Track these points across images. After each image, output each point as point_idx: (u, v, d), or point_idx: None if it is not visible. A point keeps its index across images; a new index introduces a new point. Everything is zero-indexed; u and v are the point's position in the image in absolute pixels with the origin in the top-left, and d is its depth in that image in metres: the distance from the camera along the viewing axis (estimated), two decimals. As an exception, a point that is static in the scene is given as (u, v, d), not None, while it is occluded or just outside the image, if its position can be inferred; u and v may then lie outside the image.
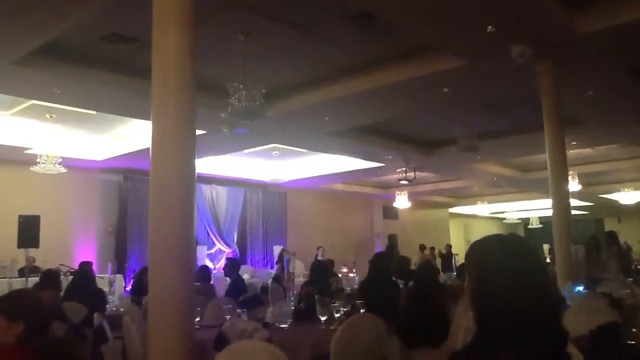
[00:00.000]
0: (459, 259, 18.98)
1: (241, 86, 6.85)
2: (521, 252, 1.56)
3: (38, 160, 10.54)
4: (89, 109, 9.54)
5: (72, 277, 8.28)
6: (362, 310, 4.50)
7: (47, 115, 9.84)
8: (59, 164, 10.68)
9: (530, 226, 27.10)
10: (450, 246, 18.98)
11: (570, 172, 11.17)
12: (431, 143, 13.34)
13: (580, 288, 5.61)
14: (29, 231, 8.84)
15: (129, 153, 12.23)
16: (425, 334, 4.60)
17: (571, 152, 11.32)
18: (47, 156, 10.58)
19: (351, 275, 13.31)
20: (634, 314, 4.33)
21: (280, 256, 11.30)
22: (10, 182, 12.12)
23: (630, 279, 7.67)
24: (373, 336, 3.71)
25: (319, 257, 14.33)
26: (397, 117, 10.73)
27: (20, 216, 8.96)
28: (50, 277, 6.11)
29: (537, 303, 1.47)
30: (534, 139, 9.66)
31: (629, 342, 2.93)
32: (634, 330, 3.21)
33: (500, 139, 11.97)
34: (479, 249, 1.63)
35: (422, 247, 17.48)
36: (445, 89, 8.44)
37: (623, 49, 7.04)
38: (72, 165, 11.99)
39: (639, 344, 2.90)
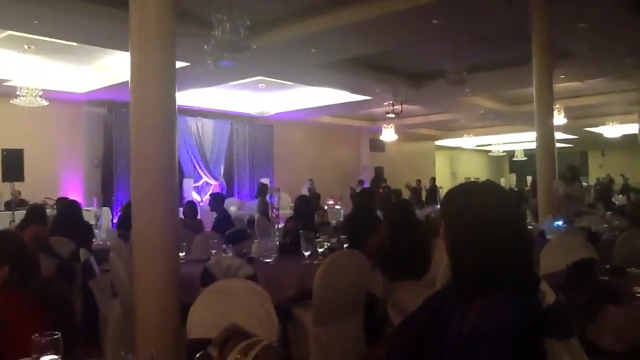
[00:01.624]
0: (444, 192, 19.22)
1: (225, 17, 6.66)
2: (497, 201, 1.58)
3: (18, 92, 10.33)
4: (68, 40, 9.28)
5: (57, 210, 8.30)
6: (345, 246, 4.57)
7: (26, 46, 9.56)
8: (40, 96, 10.47)
9: (515, 159, 27.33)
10: (434, 179, 19.13)
11: (557, 106, 11.18)
12: (420, 76, 13.21)
13: (560, 222, 5.72)
14: (13, 165, 8.78)
15: (112, 85, 12.01)
16: (407, 268, 4.72)
17: (559, 85, 11.26)
18: (28, 88, 10.36)
19: (337, 207, 13.48)
20: (610, 249, 4.44)
21: (260, 190, 11.33)
22: (-9, 115, 11.93)
23: (609, 212, 7.82)
24: (357, 271, 3.79)
25: (305, 191, 14.43)
26: (385, 49, 10.55)
27: (3, 150, 8.87)
28: (36, 212, 6.11)
29: (511, 252, 1.50)
30: (523, 72, 9.57)
31: (602, 278, 3.02)
32: (607, 266, 3.31)
33: (489, 71, 11.87)
34: (456, 197, 1.65)
35: (409, 186, 17.66)
36: (435, 21, 8.27)
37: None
38: (55, 97, 11.77)
39: (613, 281, 2.99)
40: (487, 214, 1.54)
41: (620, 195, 15.66)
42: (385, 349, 1.74)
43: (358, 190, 13.83)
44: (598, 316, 2.61)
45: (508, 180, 26.23)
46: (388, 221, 5.33)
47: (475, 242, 1.52)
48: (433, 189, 18.22)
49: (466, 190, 1.65)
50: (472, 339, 1.42)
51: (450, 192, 1.68)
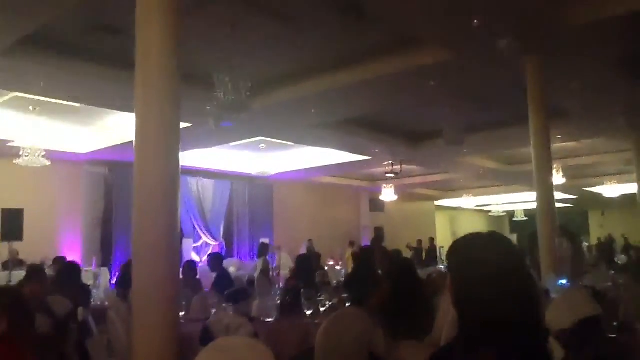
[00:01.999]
0: (445, 251, 19.10)
1: (227, 79, 6.81)
2: (502, 251, 1.57)
3: (21, 153, 10.41)
4: (73, 102, 9.44)
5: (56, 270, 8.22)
6: (347, 304, 4.51)
7: (31, 108, 9.71)
8: (43, 156, 10.55)
9: (515, 219, 27.31)
10: (432, 239, 19.04)
11: (555, 165, 11.26)
12: (418, 136, 13.36)
13: (564, 281, 5.67)
14: (12, 224, 8.77)
15: (114, 145, 12.13)
16: (409, 327, 4.63)
17: (557, 145, 11.40)
18: (31, 149, 10.44)
19: (338, 267, 13.36)
20: (616, 306, 4.38)
21: (261, 250, 11.27)
22: (-7, 175, 11.99)
23: (612, 272, 7.77)
24: (358, 330, 3.72)
25: (303, 251, 14.34)
26: (383, 110, 10.73)
27: (3, 209, 8.87)
28: (35, 271, 6.07)
29: (519, 302, 1.49)
30: (520, 132, 9.70)
31: (610, 335, 2.97)
32: (615, 323, 3.26)
33: (486, 132, 12.03)
34: (460, 250, 1.64)
35: (410, 246, 17.58)
36: (432, 82, 8.45)
37: (610, 41, 7.10)
38: (56, 157, 11.86)
39: (620, 337, 2.93)
40: (491, 264, 1.52)
41: (622, 255, 15.57)
42: None
43: (353, 250, 13.79)
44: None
45: (508, 241, 26.05)
46: (390, 280, 5.27)
47: (480, 293, 1.50)
48: (432, 249, 18.13)
49: (470, 241, 1.64)
50: None
51: (455, 244, 1.67)
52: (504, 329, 1.45)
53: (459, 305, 1.58)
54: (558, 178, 13.27)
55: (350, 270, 12.24)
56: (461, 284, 1.58)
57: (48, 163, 10.74)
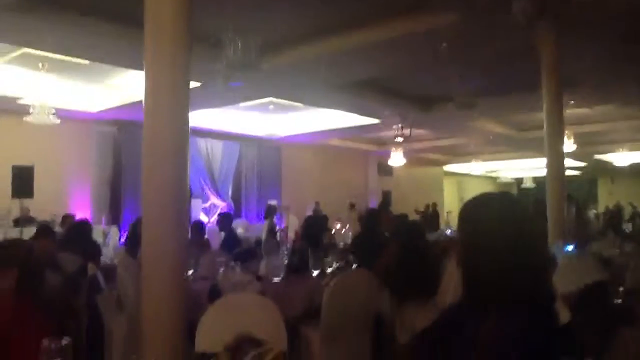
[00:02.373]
0: (453, 216, 19.15)
1: (236, 37, 6.72)
2: (513, 211, 1.56)
3: (31, 110, 10.41)
4: (82, 59, 9.39)
5: (67, 227, 8.33)
6: (354, 266, 4.55)
7: (39, 65, 9.67)
8: (53, 114, 10.56)
9: (523, 185, 27.23)
10: (435, 205, 18.96)
11: (567, 132, 11.16)
12: (428, 100, 13.23)
13: (571, 247, 5.68)
14: (23, 181, 8.81)
15: (123, 105, 12.11)
16: (415, 289, 4.67)
17: (569, 112, 11.24)
18: (41, 106, 10.44)
19: (344, 230, 13.42)
20: (623, 273, 4.39)
21: (269, 211, 11.33)
22: (3, 132, 12.03)
23: (620, 239, 7.76)
24: (365, 291, 3.77)
25: (310, 213, 14.40)
26: (394, 72, 10.60)
27: (14, 166, 8.91)
28: (45, 229, 6.16)
29: (527, 261, 1.48)
30: (532, 97, 9.58)
31: (616, 300, 2.98)
32: (621, 289, 3.27)
33: (498, 96, 11.87)
34: (471, 208, 1.64)
35: (417, 210, 17.60)
36: (444, 45, 8.31)
37: (622, 8, 6.94)
38: (66, 116, 11.86)
39: (626, 303, 2.94)
40: (503, 221, 1.52)
41: (630, 223, 15.55)
42: None
43: (359, 212, 13.82)
44: (613, 338, 2.56)
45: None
46: (397, 243, 5.30)
47: (490, 248, 1.50)
48: (434, 215, 18.05)
49: (484, 199, 1.64)
50: (484, 354, 1.40)
51: (468, 201, 1.67)
52: (511, 289, 1.46)
53: (466, 262, 1.58)
54: (569, 144, 13.16)
55: (352, 232, 12.27)
56: (471, 240, 1.58)
57: (58, 121, 10.75)
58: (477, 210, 1.61)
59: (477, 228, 1.57)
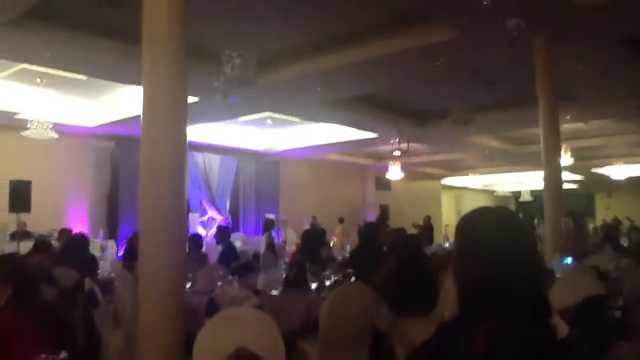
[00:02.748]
0: (450, 230, 19.12)
1: (234, 54, 6.76)
2: (509, 223, 1.57)
3: (29, 125, 10.44)
4: (80, 74, 9.43)
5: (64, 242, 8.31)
6: (352, 279, 4.54)
7: (38, 80, 9.70)
8: (50, 129, 10.58)
9: (521, 199, 27.25)
10: (429, 217, 18.86)
11: (563, 146, 11.21)
12: (425, 115, 13.28)
13: (569, 261, 5.68)
14: (20, 196, 8.80)
15: (121, 119, 12.13)
16: (413, 303, 4.67)
17: (565, 126, 11.31)
18: (38, 121, 10.47)
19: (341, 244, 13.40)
20: (619, 287, 4.39)
21: (266, 225, 11.32)
22: (1, 147, 12.02)
23: (617, 253, 7.76)
24: (363, 305, 3.76)
25: (307, 227, 14.38)
26: (391, 88, 10.66)
27: (11, 181, 8.91)
28: (42, 243, 6.16)
29: (522, 273, 1.49)
30: (528, 113, 9.63)
31: (613, 314, 2.98)
32: (619, 303, 3.27)
33: (494, 112, 11.92)
34: (468, 219, 1.65)
35: (415, 224, 17.52)
36: (440, 60, 8.37)
37: (618, 20, 6.99)
38: (63, 131, 11.88)
39: (624, 317, 2.94)
40: (499, 232, 1.54)
41: (627, 237, 15.56)
42: None
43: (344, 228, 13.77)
44: (610, 352, 2.56)
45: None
46: (395, 256, 5.30)
47: (486, 258, 1.51)
48: (429, 228, 17.93)
49: (480, 211, 1.66)
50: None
51: (465, 214, 1.68)
52: (506, 300, 1.46)
53: (461, 272, 1.59)
54: (566, 158, 13.21)
55: (338, 245, 12.18)
56: (466, 251, 1.59)
57: (55, 136, 10.77)
58: (471, 221, 1.62)
59: (472, 240, 1.58)
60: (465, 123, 10.20)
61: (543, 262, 1.65)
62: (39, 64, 8.73)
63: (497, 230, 1.55)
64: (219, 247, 7.85)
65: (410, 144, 14.49)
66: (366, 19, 7.61)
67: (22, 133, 10.49)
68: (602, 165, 19.98)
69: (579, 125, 13.72)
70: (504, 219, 1.60)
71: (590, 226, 18.57)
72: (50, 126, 10.58)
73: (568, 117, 11.38)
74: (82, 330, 4.74)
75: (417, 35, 7.72)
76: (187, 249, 7.14)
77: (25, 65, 8.90)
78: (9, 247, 9.32)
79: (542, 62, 7.73)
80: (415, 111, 13.07)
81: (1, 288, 2.30)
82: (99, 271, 6.60)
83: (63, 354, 1.58)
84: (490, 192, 29.47)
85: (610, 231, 14.73)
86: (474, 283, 1.54)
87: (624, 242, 13.44)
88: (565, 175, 13.44)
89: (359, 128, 14.13)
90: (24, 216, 9.53)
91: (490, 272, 1.50)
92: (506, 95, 10.94)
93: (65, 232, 9.39)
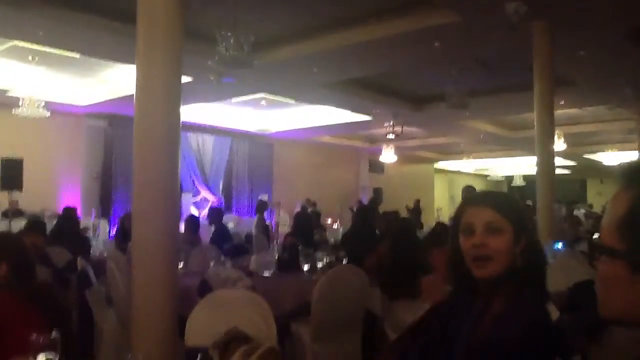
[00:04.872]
0: (443, 213, 19.20)
1: (229, 34, 6.70)
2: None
3: (20, 103, 10.35)
4: (73, 52, 9.32)
5: (56, 221, 8.28)
6: (344, 262, 4.55)
7: (30, 57, 9.60)
8: (43, 107, 10.50)
9: (514, 184, 27.35)
10: (418, 201, 18.84)
11: (557, 132, 11.21)
12: (420, 98, 13.26)
13: (560, 245, 5.71)
14: (12, 174, 8.75)
15: (114, 98, 12.04)
16: (406, 286, 4.69)
17: (559, 112, 11.31)
18: (30, 99, 10.38)
19: (335, 227, 13.44)
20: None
21: (260, 207, 11.31)
22: (-8, 125, 11.93)
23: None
24: (355, 287, 3.77)
25: (299, 210, 14.39)
26: (387, 71, 10.61)
27: (3, 159, 8.85)
28: (36, 223, 6.13)
29: (527, 256, 1.53)
30: (523, 98, 9.62)
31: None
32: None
33: (490, 96, 11.92)
34: None
35: (408, 207, 17.52)
36: (437, 44, 8.33)
37: (620, 8, 6.97)
38: (56, 109, 11.80)
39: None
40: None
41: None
42: (392, 356, 1.72)
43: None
44: (602, 337, 2.58)
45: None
46: (388, 239, 5.31)
47: None
48: (417, 211, 17.90)
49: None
50: (482, 348, 1.42)
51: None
52: (509, 284, 1.50)
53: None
54: (560, 144, 13.23)
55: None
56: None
57: (47, 114, 10.69)
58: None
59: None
60: (461, 107, 10.19)
61: (542, 245, 1.66)
62: (32, 42, 8.63)
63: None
64: (212, 228, 7.84)
65: (404, 128, 14.48)
66: (364, 0, 7.55)
67: (13, 111, 10.41)
68: (595, 152, 20.04)
69: (573, 111, 13.73)
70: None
71: (582, 212, 18.69)
72: (43, 104, 10.51)
73: (562, 103, 11.38)
74: (75, 310, 4.76)
75: (415, 18, 7.67)
76: (182, 230, 7.17)
77: (17, 42, 8.79)
78: (0, 226, 9.30)
79: (541, 47, 7.69)
80: (412, 95, 13.03)
81: None
82: (92, 251, 6.59)
83: (55, 334, 1.57)
84: (483, 177, 29.55)
85: (602, 217, 14.81)
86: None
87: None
88: (558, 161, 13.49)
89: (354, 110, 14.09)
90: (16, 194, 9.49)
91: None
92: (503, 80, 10.93)
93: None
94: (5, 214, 10.06)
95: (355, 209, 10.67)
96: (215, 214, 7.89)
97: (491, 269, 1.51)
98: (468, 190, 8.14)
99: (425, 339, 1.62)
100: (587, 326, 2.56)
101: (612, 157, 19.95)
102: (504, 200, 1.61)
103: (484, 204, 1.57)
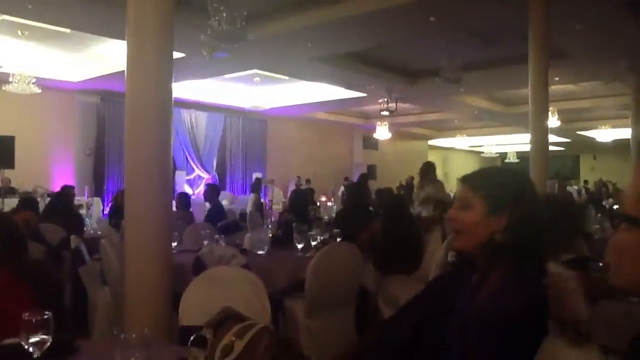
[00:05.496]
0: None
1: (222, 7, 6.61)
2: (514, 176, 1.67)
3: (11, 79, 10.23)
4: (63, 27, 9.19)
5: (49, 198, 8.25)
6: (338, 239, 4.56)
7: (19, 32, 9.46)
8: (33, 83, 10.38)
9: (507, 160, 27.41)
10: (412, 178, 18.80)
11: (551, 108, 11.19)
12: (414, 73, 13.20)
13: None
14: (3, 152, 8.69)
15: (105, 75, 11.93)
16: (399, 263, 4.71)
17: (553, 88, 11.27)
18: (20, 75, 10.26)
19: (329, 204, 13.46)
20: (603, 248, 4.45)
21: (255, 185, 11.31)
22: (-18, 101, 11.80)
23: (600, 214, 7.85)
24: (349, 264, 3.78)
25: (293, 187, 14.40)
26: (381, 45, 10.54)
27: (-6, 136, 8.79)
28: (28, 200, 6.11)
29: (527, 222, 1.55)
30: (518, 72, 9.58)
31: (596, 273, 3.02)
32: (601, 264, 3.30)
33: (485, 70, 11.87)
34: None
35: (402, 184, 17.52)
36: (432, 18, 8.25)
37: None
38: (47, 85, 11.67)
39: (606, 277, 2.98)
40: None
41: (611, 200, 15.73)
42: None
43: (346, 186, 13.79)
44: (593, 311, 2.60)
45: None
46: (381, 216, 5.32)
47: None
48: (409, 187, 17.87)
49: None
50: (475, 321, 1.43)
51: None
52: (508, 250, 1.52)
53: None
54: (553, 121, 13.22)
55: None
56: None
57: (38, 90, 10.58)
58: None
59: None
60: (455, 81, 10.16)
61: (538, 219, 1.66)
62: (21, 16, 8.49)
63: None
64: (207, 205, 7.82)
65: (398, 104, 14.43)
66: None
67: (3, 87, 10.29)
68: (588, 128, 20.06)
69: (568, 87, 13.70)
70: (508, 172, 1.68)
71: (575, 188, 18.78)
72: (33, 80, 10.39)
73: (556, 79, 11.33)
74: (69, 288, 4.76)
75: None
76: (174, 208, 7.15)
77: (6, 17, 8.65)
78: (-7, 203, 9.26)
79: (537, 21, 7.62)
80: (406, 69, 12.96)
81: None
82: (85, 228, 6.58)
83: (47, 313, 1.56)
84: (477, 153, 29.59)
85: (595, 193, 14.89)
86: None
87: (607, 204, 13.58)
88: (552, 138, 13.50)
89: (348, 87, 14.02)
90: (8, 172, 9.44)
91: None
92: (498, 53, 10.86)
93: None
94: (-2, 192, 10.01)
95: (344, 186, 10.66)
96: (212, 191, 7.85)
97: (462, 241, 1.58)
98: (427, 166, 8.26)
99: (422, 313, 1.64)
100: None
101: (606, 134, 19.98)
102: (479, 176, 1.64)
103: (462, 181, 1.64)
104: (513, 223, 1.52)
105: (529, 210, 1.56)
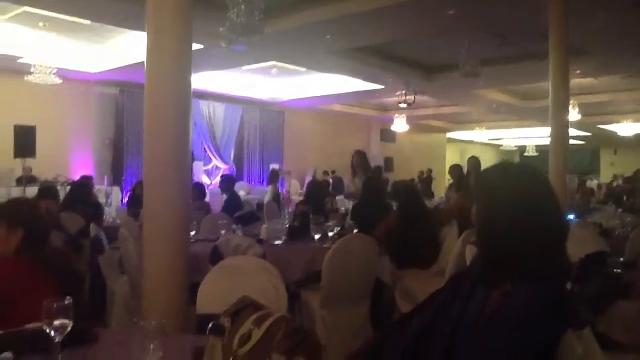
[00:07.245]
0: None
1: (240, 0, 6.61)
2: (532, 183, 1.52)
3: (32, 70, 10.35)
4: (83, 18, 9.27)
5: (69, 187, 8.36)
6: (355, 231, 4.56)
7: (40, 24, 9.56)
8: (54, 74, 10.50)
9: (526, 154, 27.17)
10: (430, 170, 18.73)
11: (571, 102, 11.06)
12: (433, 67, 13.12)
13: (572, 216, 5.69)
14: (25, 141, 8.81)
15: (124, 66, 12.01)
16: (415, 256, 4.71)
17: (574, 81, 11.14)
18: (41, 66, 10.38)
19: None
20: (623, 243, 4.41)
21: (272, 176, 11.34)
22: (4, 92, 11.95)
23: (620, 210, 7.77)
24: (365, 256, 3.78)
25: (309, 179, 14.40)
26: (400, 39, 10.48)
27: (16, 126, 8.90)
28: (49, 189, 6.19)
29: (543, 235, 1.46)
30: (538, 67, 9.47)
31: (615, 270, 3.00)
32: (621, 259, 3.28)
33: (504, 65, 11.76)
34: (490, 178, 1.59)
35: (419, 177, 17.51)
36: (451, 11, 8.19)
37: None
38: (67, 76, 11.79)
39: (625, 274, 2.96)
40: (521, 194, 1.48)
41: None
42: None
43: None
44: (609, 309, 2.59)
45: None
46: (398, 209, 5.31)
47: (507, 222, 1.47)
48: (428, 180, 17.84)
49: (502, 170, 1.59)
50: (488, 324, 1.40)
51: (483, 172, 1.64)
52: (524, 261, 1.44)
53: (482, 234, 1.56)
54: (574, 114, 13.07)
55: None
56: (487, 211, 1.54)
57: (59, 81, 10.70)
58: (492, 181, 1.56)
59: (493, 195, 1.53)
60: (474, 75, 10.07)
61: (566, 222, 1.59)
62: (41, 7, 8.57)
63: (519, 189, 1.49)
64: (224, 196, 7.87)
65: (416, 96, 14.36)
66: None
67: (25, 78, 10.42)
68: (609, 122, 19.79)
69: (589, 81, 13.52)
70: (524, 175, 1.54)
71: (594, 183, 18.57)
72: (54, 71, 10.50)
73: (577, 72, 11.19)
74: (88, 276, 4.83)
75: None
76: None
77: (27, 8, 8.74)
78: (14, 192, 9.40)
79: (557, 16, 7.54)
80: (424, 63, 12.89)
81: (12, 232, 2.30)
82: (104, 217, 6.66)
83: (68, 300, 1.59)
84: (496, 147, 29.36)
85: (614, 188, 14.71)
86: (497, 244, 1.50)
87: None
88: (572, 132, 13.34)
89: (366, 79, 13.98)
90: (29, 161, 9.56)
91: (512, 230, 1.46)
92: (517, 49, 10.75)
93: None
94: (19, 181, 10.16)
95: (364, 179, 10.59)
96: (227, 182, 7.91)
97: None
98: (474, 161, 8.11)
99: (435, 311, 1.62)
100: (594, 298, 2.56)
101: (627, 128, 19.70)
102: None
103: None
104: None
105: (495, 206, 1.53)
